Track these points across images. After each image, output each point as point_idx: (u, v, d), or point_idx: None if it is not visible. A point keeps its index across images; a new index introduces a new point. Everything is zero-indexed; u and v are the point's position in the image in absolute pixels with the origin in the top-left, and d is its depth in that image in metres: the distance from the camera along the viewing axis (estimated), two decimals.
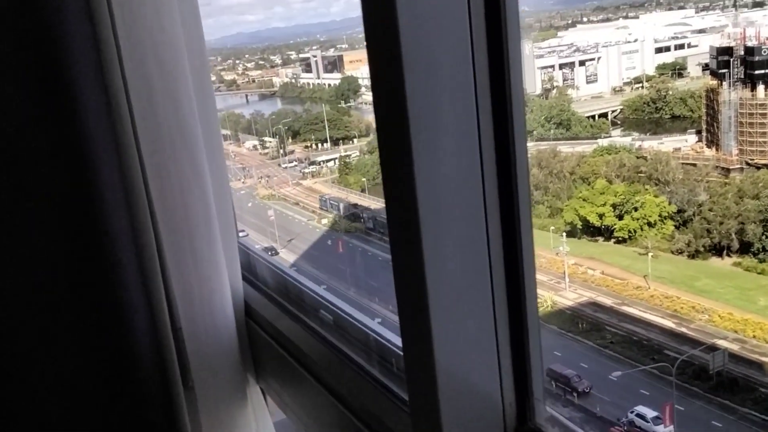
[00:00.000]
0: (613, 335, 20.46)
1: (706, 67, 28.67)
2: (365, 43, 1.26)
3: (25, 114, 1.75)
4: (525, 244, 1.37)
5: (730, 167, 25.31)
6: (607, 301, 21.95)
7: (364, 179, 28.75)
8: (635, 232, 24.27)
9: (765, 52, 24.43)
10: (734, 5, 32.27)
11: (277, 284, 2.65)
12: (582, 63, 32.58)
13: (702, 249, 23.02)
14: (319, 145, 33.31)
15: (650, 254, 22.95)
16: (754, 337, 18.90)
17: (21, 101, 1.74)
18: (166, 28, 2.02)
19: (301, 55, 39.59)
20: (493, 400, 1.43)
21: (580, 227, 25.10)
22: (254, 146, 35.17)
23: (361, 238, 25.90)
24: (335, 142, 32.86)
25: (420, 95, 1.22)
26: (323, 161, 32.61)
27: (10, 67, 1.71)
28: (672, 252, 23.44)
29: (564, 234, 24.03)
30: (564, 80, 32.34)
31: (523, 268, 1.39)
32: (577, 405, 17.41)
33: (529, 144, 27.83)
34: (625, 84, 32.74)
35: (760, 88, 24.61)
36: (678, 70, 31.86)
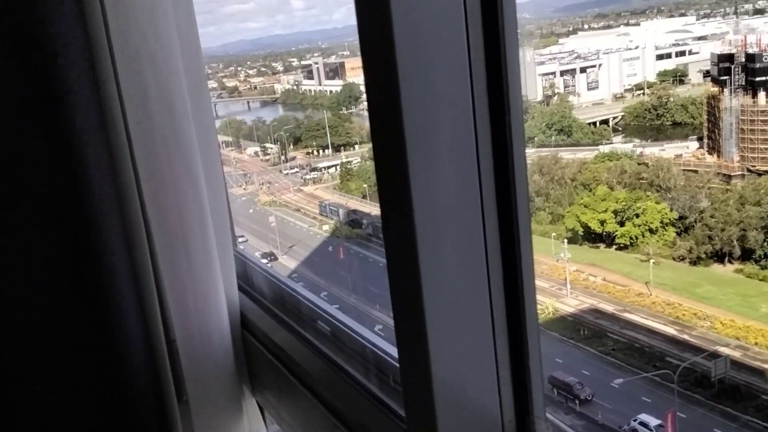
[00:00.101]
0: (615, 342, 20.43)
1: (707, 74, 28.76)
2: (360, 51, 1.24)
3: (18, 120, 1.73)
4: (524, 253, 1.35)
5: (732, 174, 25.35)
6: (609, 308, 21.93)
7: (365, 185, 28.81)
8: (637, 238, 24.27)
9: (766, 59, 24.49)
10: (735, 12, 32.42)
11: (273, 294, 2.61)
12: (583, 70, 32.68)
13: (704, 255, 23.02)
14: (321, 151, 33.42)
15: (652, 261, 22.93)
16: (756, 344, 18.87)
17: (14, 107, 1.72)
18: (160, 33, 2.00)
19: (303, 62, 39.77)
20: (492, 417, 1.40)
21: (582, 234, 25.12)
22: (256, 153, 35.28)
23: (362, 245, 25.93)
24: (336, 149, 32.95)
25: (415, 103, 1.20)
26: (324, 167, 32.71)
27: (3, 73, 1.69)
28: (674, 258, 23.44)
29: (565, 240, 24.03)
30: (565, 87, 32.44)
31: (522, 277, 1.36)
32: (579, 412, 17.38)
33: (531, 150, 27.95)
34: (627, 91, 32.85)
35: (762, 95, 24.68)
36: (679, 76, 31.95)
